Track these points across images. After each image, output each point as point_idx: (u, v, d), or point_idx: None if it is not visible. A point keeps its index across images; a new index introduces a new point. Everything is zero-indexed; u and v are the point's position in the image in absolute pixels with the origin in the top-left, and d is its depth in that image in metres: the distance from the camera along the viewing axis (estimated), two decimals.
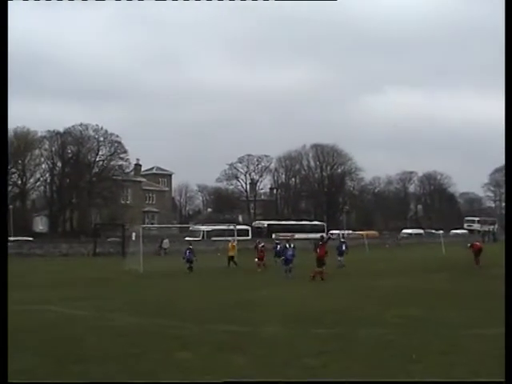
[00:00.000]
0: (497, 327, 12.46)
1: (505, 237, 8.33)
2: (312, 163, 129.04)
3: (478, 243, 37.66)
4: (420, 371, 9.12)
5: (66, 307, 17.61)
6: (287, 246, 30.92)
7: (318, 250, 27.70)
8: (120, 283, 27.22)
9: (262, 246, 37.40)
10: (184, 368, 9.66)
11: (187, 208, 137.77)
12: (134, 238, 47.39)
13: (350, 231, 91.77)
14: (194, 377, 9.06)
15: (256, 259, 36.24)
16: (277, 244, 39.26)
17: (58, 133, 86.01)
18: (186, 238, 74.99)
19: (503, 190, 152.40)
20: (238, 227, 71.66)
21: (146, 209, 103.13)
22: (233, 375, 9.13)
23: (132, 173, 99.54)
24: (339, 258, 36.31)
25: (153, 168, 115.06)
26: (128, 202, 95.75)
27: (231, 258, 38.02)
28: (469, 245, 37.39)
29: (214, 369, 9.61)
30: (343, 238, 41.38)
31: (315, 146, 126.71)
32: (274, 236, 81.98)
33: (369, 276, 28.58)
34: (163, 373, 9.35)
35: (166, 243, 58.97)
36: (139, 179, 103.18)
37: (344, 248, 37.35)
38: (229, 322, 14.41)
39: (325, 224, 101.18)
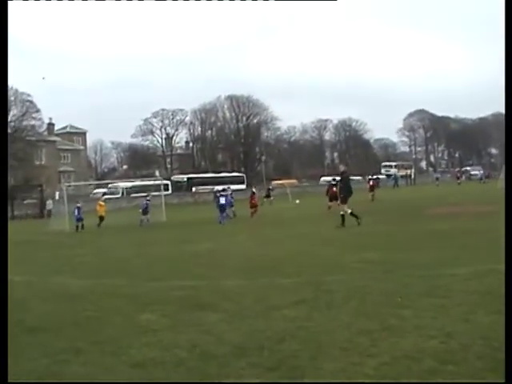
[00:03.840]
0: (466, 266, 12.02)
1: (505, 236, 7.85)
2: (228, 114, 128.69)
3: (371, 182, 40.65)
4: (415, 316, 8.40)
5: None
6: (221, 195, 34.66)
7: (334, 189, 34.68)
8: (50, 244, 25.64)
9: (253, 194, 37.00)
10: (154, 330, 8.63)
11: (103, 166, 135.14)
12: (57, 198, 45.69)
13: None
14: (168, 339, 8.08)
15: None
16: (217, 196, 38.43)
17: None
18: (105, 196, 73.34)
19: (417, 135, 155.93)
20: (157, 182, 70.52)
21: (61, 168, 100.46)
22: (211, 334, 8.20)
23: (45, 132, 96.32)
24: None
25: (66, 127, 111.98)
26: (43, 163, 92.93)
27: (101, 218, 35.93)
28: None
29: (187, 328, 8.63)
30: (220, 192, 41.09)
31: (230, 97, 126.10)
32: (194, 189, 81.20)
33: (304, 222, 28.02)
34: (132, 337, 8.29)
35: (49, 204, 55.75)
36: (53, 139, 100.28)
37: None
38: (182, 277, 13.42)
39: (244, 175, 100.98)
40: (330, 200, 35.40)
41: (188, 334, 8.25)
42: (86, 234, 31.37)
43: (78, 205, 35.57)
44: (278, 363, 6.73)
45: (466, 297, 9.34)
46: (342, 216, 24.29)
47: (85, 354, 7.62)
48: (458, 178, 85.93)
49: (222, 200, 33.50)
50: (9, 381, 6.04)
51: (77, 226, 34.14)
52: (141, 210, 36.25)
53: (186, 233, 27.61)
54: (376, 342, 7.30)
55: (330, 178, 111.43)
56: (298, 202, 54.06)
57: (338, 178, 30.36)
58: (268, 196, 55.20)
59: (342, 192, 25.31)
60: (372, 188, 49.43)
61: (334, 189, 34.99)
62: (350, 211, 24.41)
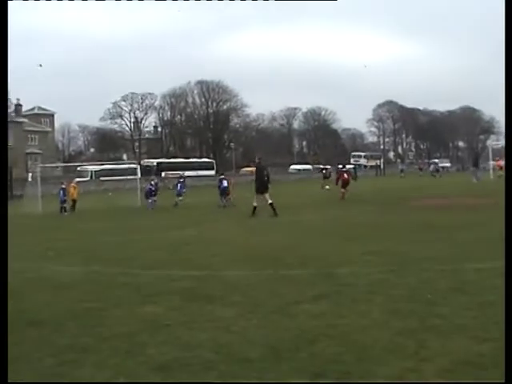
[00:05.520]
0: (487, 261, 11.26)
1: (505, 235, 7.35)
2: (197, 100, 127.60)
3: (345, 175, 37.17)
4: (454, 314, 7.68)
5: None
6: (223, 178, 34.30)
7: (345, 176, 35.21)
8: (26, 227, 23.86)
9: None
10: (166, 325, 7.78)
11: (70, 149, 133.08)
12: (30, 179, 44.26)
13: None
14: (186, 336, 7.23)
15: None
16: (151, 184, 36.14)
17: None
18: (76, 179, 71.92)
19: (386, 126, 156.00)
20: (127, 166, 69.35)
21: (28, 150, 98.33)
22: (233, 331, 7.38)
23: (13, 113, 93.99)
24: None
25: (34, 108, 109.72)
26: (10, 144, 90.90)
27: (74, 202, 34.10)
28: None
29: (204, 324, 7.78)
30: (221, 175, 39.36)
31: (200, 83, 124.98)
32: (163, 174, 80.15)
33: (288, 211, 27.09)
34: (144, 334, 7.43)
35: None
36: (20, 120, 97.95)
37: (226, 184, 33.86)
38: (179, 266, 12.50)
39: (214, 161, 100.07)
40: (343, 186, 34.77)
41: (207, 332, 7.43)
42: (65, 218, 30.32)
43: (63, 186, 34.26)
44: (322, 368, 5.98)
45: (501, 295, 8.60)
46: (254, 207, 24.57)
47: (95, 353, 6.77)
48: (421, 170, 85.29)
49: (225, 183, 33.55)
50: (9, 381, 5.65)
51: (61, 208, 33.05)
52: (145, 193, 34.98)
53: (166, 218, 26.69)
54: (423, 344, 6.58)
55: (298, 167, 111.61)
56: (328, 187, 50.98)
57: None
58: (326, 177, 53.02)
59: (256, 183, 25.35)
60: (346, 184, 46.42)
61: (345, 175, 35.47)
62: (256, 204, 24.76)
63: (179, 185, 35.76)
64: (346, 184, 34.81)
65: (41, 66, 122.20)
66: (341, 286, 9.78)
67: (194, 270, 11.96)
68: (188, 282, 10.68)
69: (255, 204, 24.66)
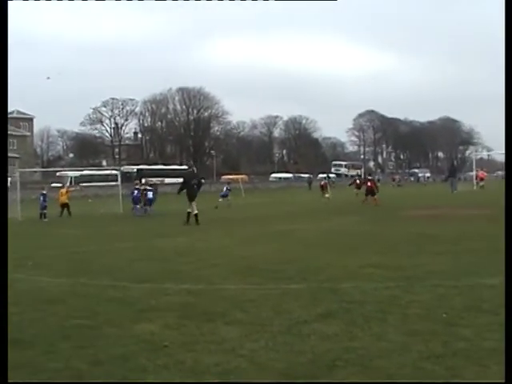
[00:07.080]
0: (496, 276, 10.64)
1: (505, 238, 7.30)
2: (178, 107, 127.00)
3: (369, 183, 37.59)
4: (480, 337, 7.07)
5: None
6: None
7: (369, 184, 37.70)
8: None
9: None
10: (161, 347, 7.07)
11: (49, 154, 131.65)
12: (9, 184, 43.10)
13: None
14: (189, 360, 6.54)
15: None
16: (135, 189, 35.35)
17: None
18: (53, 185, 70.75)
19: (367, 135, 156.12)
20: (107, 172, 68.47)
21: None
22: (241, 355, 6.69)
23: None
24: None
25: (13, 111, 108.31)
26: None
27: (65, 206, 33.79)
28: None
29: (207, 346, 7.10)
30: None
31: (181, 90, 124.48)
32: (143, 181, 79.14)
33: (272, 221, 26.48)
34: (141, 356, 6.72)
35: None
36: None
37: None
38: (174, 278, 11.78)
39: (195, 168, 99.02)
40: (370, 194, 37.03)
41: (212, 355, 6.73)
42: (45, 224, 29.50)
43: (44, 191, 33.91)
44: None
45: None
46: (188, 213, 25.04)
47: (90, 380, 6.09)
48: (394, 180, 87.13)
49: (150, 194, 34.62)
50: (9, 381, 5.61)
51: (41, 214, 32.47)
52: (133, 199, 34.58)
53: (153, 225, 26.02)
54: (456, 372, 5.94)
55: (279, 175, 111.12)
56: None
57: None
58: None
59: (187, 191, 25.65)
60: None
61: (369, 183, 37.96)
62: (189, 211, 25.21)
63: (149, 193, 34.85)
64: (370, 192, 36.81)
65: (49, 78, 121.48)
66: (348, 303, 9.13)
67: (190, 283, 11.26)
68: (184, 297, 9.99)
69: (189, 210, 24.98)
